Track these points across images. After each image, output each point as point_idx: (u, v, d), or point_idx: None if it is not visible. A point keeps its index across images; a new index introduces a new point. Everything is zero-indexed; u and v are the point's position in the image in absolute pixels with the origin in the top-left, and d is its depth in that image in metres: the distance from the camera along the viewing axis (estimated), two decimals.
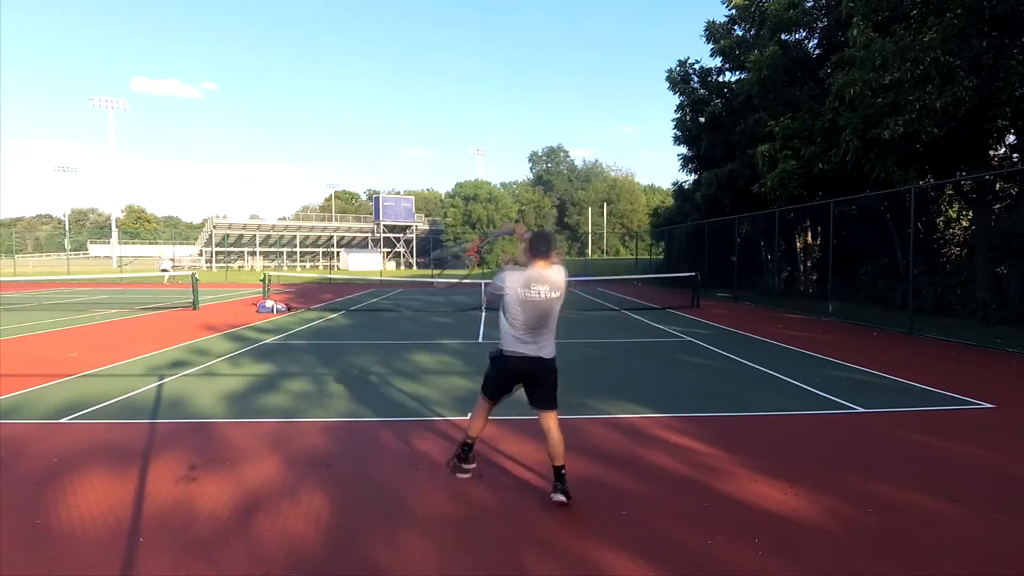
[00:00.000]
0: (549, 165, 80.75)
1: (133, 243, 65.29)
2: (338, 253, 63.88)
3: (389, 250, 63.98)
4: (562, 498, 3.41)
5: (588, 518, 3.37)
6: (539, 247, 3.57)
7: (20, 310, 15.86)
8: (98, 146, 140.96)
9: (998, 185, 13.45)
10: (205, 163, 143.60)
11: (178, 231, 79.85)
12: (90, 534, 3.16)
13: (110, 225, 60.84)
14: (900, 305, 13.56)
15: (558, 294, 3.55)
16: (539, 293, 3.48)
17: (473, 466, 3.90)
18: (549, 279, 3.52)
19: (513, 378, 3.67)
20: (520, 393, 3.79)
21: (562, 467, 3.48)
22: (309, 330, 11.85)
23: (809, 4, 17.51)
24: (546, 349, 3.61)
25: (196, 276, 16.91)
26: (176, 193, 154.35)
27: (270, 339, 10.48)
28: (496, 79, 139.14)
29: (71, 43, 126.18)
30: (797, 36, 18.50)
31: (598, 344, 10.11)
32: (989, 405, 5.84)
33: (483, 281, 18.89)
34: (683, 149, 26.56)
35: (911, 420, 5.38)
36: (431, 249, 64.91)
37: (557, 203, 74.97)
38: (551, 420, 3.59)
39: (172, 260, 32.41)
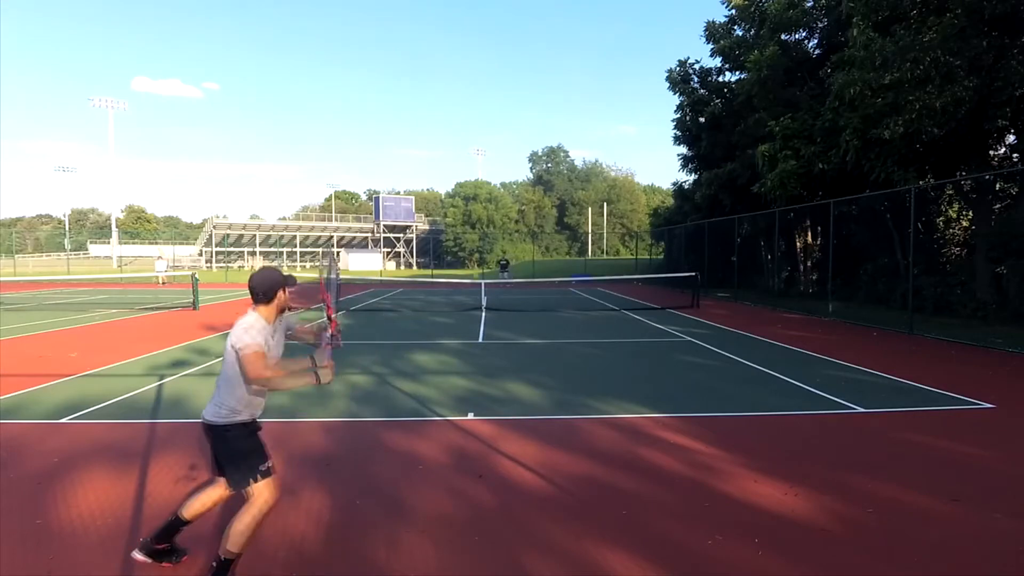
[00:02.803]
0: (549, 165, 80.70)
1: (133, 243, 65.27)
2: (338, 253, 63.89)
3: (389, 250, 63.99)
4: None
5: (588, 518, 3.37)
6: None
7: (20, 310, 15.86)
8: (98, 146, 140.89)
9: (998, 185, 13.46)
10: (205, 163, 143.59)
11: (178, 231, 79.84)
12: (90, 534, 3.16)
13: (110, 225, 60.84)
14: (900, 305, 13.56)
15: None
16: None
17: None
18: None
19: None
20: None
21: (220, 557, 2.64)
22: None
23: (809, 4, 17.51)
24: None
25: (196, 276, 16.92)
26: (176, 193, 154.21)
27: None
28: (496, 79, 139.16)
29: (71, 43, 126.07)
30: (797, 36, 18.51)
31: (598, 344, 10.11)
32: (989, 405, 5.84)
33: (482, 281, 18.90)
34: (683, 149, 26.59)
35: (911, 420, 5.38)
36: (431, 249, 64.93)
37: (557, 203, 74.92)
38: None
39: (167, 260, 32.17)
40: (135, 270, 45.08)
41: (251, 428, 2.81)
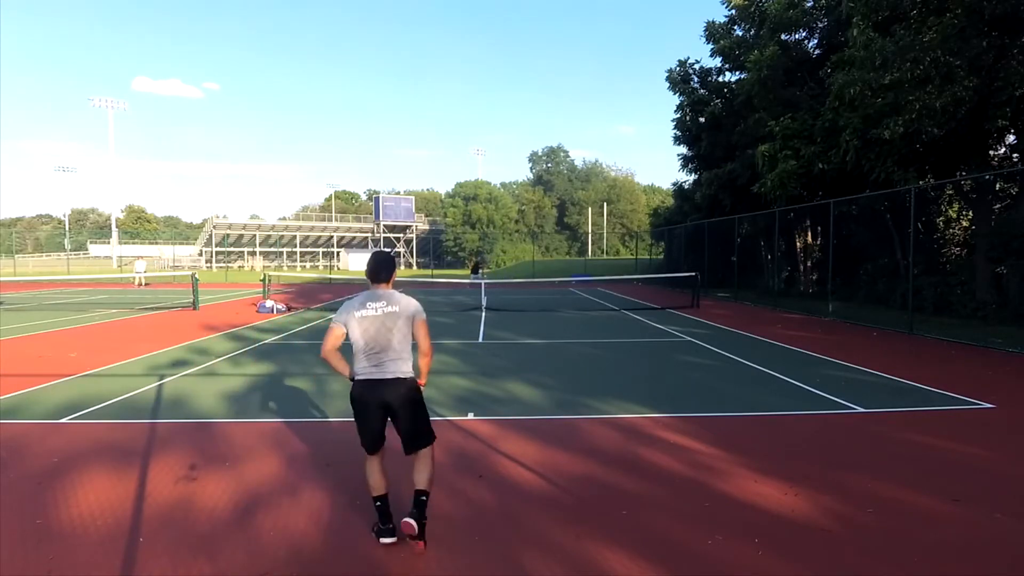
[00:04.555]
0: (549, 165, 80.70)
1: (133, 243, 65.26)
2: (338, 253, 63.89)
3: (389, 250, 63.88)
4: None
5: (588, 518, 3.37)
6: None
7: (20, 310, 15.86)
8: (98, 146, 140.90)
9: (998, 185, 13.46)
10: (205, 163, 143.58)
11: (178, 231, 79.85)
12: (90, 534, 3.16)
13: (110, 225, 60.85)
14: (900, 305, 13.56)
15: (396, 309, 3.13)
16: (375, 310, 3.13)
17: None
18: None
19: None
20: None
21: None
22: (309, 330, 11.86)
23: (809, 4, 17.51)
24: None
25: (196, 276, 16.91)
26: (176, 193, 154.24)
27: (270, 339, 10.49)
28: (496, 79, 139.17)
29: (72, 43, 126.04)
30: (797, 36, 18.50)
31: (598, 344, 10.11)
32: (989, 405, 5.84)
33: (482, 281, 18.90)
34: (683, 149, 26.59)
35: (911, 420, 5.38)
36: (431, 249, 64.93)
37: (557, 203, 74.92)
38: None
39: (147, 261, 31.89)
40: (135, 270, 45.06)
41: None
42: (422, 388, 3.24)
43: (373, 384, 3.09)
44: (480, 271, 30.38)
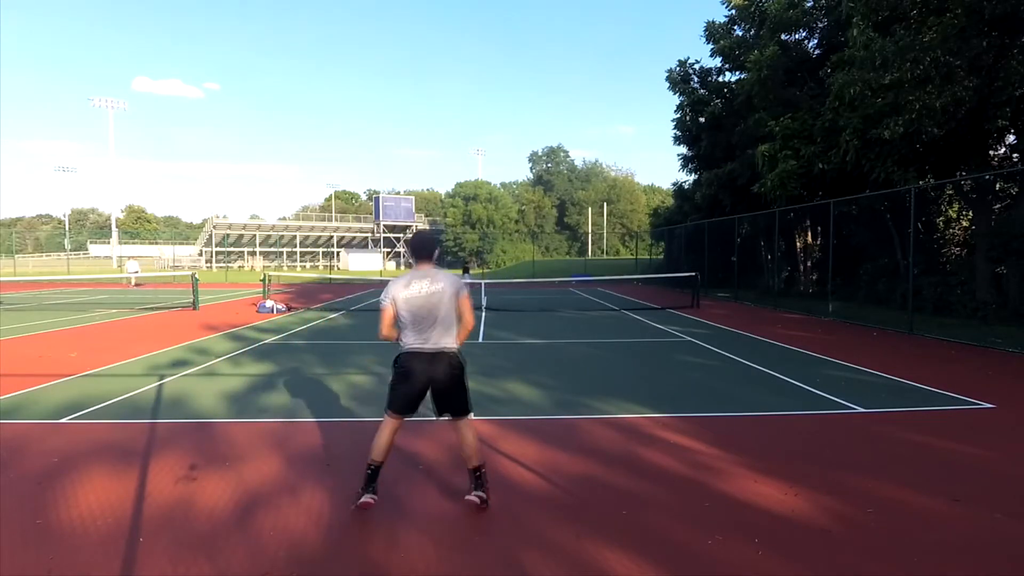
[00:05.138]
0: (549, 165, 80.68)
1: (133, 243, 65.26)
2: (338, 253, 63.90)
3: (389, 250, 63.98)
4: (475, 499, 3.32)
5: (588, 518, 3.36)
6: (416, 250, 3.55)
7: (20, 310, 15.86)
8: (98, 146, 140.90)
9: (998, 185, 13.45)
10: (205, 163, 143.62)
11: (178, 231, 79.84)
12: (90, 534, 3.16)
13: (110, 225, 60.86)
14: (900, 305, 13.55)
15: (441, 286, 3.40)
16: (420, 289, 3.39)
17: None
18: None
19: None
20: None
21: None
22: (309, 330, 11.86)
23: (809, 4, 17.51)
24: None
25: (196, 276, 16.91)
26: (176, 193, 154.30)
27: (270, 339, 10.49)
28: (496, 79, 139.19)
29: (71, 43, 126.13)
30: (797, 36, 18.50)
31: (598, 344, 10.11)
32: (989, 405, 5.84)
33: (482, 281, 18.89)
34: (683, 149, 26.58)
35: (911, 420, 5.38)
36: None
37: (557, 203, 74.91)
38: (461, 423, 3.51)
39: (139, 262, 31.68)
40: (126, 271, 45.04)
41: None
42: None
43: (420, 356, 3.37)
44: (468, 272, 31.73)
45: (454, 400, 3.43)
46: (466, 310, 3.43)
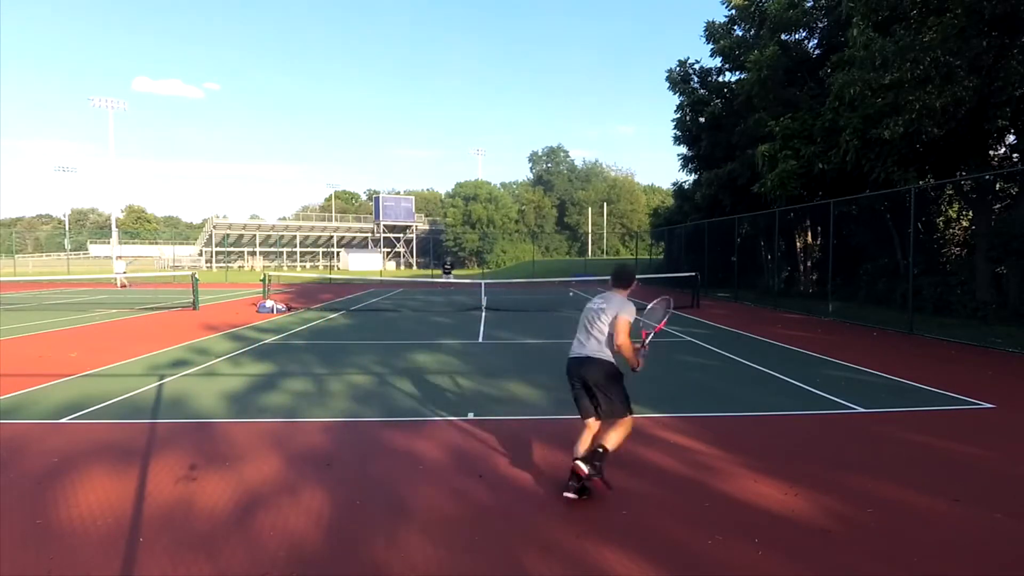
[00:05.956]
0: (549, 165, 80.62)
1: (133, 243, 65.25)
2: (338, 253, 63.89)
3: (389, 250, 63.98)
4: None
5: (588, 518, 3.37)
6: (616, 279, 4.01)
7: (20, 310, 15.86)
8: (98, 146, 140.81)
9: (998, 185, 13.44)
10: (205, 163, 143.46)
11: (178, 231, 79.83)
12: (90, 534, 3.16)
13: (110, 225, 60.81)
14: (900, 305, 13.55)
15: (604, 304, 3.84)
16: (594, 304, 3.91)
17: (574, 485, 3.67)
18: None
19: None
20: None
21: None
22: (309, 330, 11.86)
23: (809, 4, 17.51)
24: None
25: (196, 276, 16.92)
26: (176, 193, 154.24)
27: (270, 339, 10.49)
28: (496, 79, 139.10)
29: (71, 43, 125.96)
30: (797, 36, 18.51)
31: None
32: (989, 405, 5.84)
33: (482, 281, 18.88)
34: (683, 149, 26.58)
35: (911, 420, 5.38)
36: (431, 249, 64.91)
37: (557, 203, 74.85)
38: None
39: (126, 260, 31.35)
40: (135, 270, 45.05)
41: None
42: (636, 369, 3.80)
43: (572, 359, 3.84)
44: (450, 272, 32.50)
45: (604, 401, 3.70)
46: (618, 330, 3.66)
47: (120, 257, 31.34)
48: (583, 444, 3.65)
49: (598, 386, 3.67)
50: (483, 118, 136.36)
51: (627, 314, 3.69)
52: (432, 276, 39.50)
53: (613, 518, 3.37)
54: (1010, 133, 13.12)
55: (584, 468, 3.47)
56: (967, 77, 11.22)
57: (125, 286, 26.78)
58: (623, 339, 3.64)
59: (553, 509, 3.49)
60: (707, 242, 22.25)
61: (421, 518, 3.37)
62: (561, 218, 74.21)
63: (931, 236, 15.58)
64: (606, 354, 3.72)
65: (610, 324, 3.70)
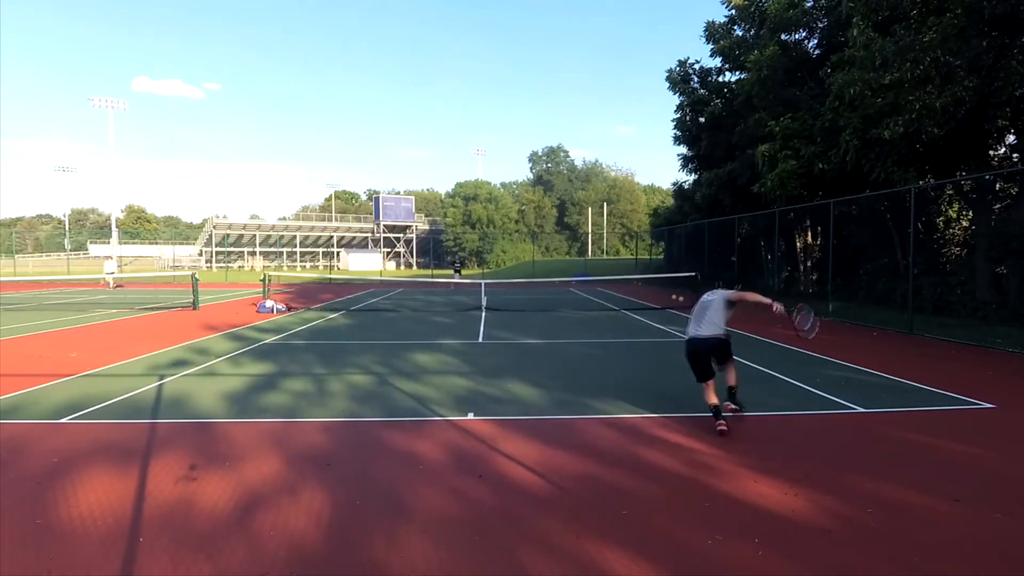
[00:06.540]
0: (549, 165, 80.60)
1: (133, 243, 65.23)
2: (338, 253, 63.88)
3: (389, 250, 63.97)
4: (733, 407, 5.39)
5: (588, 518, 3.37)
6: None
7: (20, 310, 15.86)
8: (98, 146, 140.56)
9: (998, 185, 13.44)
10: (205, 163, 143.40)
11: (178, 231, 79.83)
12: (90, 534, 3.16)
13: (110, 225, 60.80)
14: (900, 305, 13.54)
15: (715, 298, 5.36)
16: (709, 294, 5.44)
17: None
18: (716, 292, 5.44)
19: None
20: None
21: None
22: (309, 330, 11.86)
23: (809, 4, 17.50)
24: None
25: (196, 276, 16.92)
26: (176, 193, 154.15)
27: (270, 339, 10.49)
28: (496, 79, 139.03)
29: (71, 43, 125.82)
30: (797, 36, 18.49)
31: (598, 344, 10.11)
32: (989, 405, 5.84)
33: (482, 281, 18.87)
34: (683, 149, 26.57)
35: (911, 420, 5.38)
36: (431, 249, 64.91)
37: (557, 203, 74.83)
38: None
39: (116, 261, 31.16)
40: (135, 270, 45.09)
41: None
42: (774, 307, 5.09)
43: (695, 339, 5.22)
44: (460, 272, 32.58)
45: (722, 356, 5.28)
46: (744, 296, 5.30)
47: (110, 257, 31.11)
48: (712, 395, 5.00)
49: (718, 349, 5.18)
50: (483, 118, 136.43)
51: (731, 293, 5.29)
52: (432, 276, 39.49)
53: (613, 518, 3.37)
54: (1010, 133, 13.12)
55: (733, 405, 5.31)
56: (967, 77, 11.22)
57: (120, 286, 26.79)
58: (743, 296, 5.24)
59: (553, 509, 3.49)
60: (707, 242, 22.24)
61: (421, 518, 3.37)
62: (561, 218, 74.20)
63: (931, 236, 15.57)
64: (718, 332, 5.16)
65: (724, 302, 5.23)
